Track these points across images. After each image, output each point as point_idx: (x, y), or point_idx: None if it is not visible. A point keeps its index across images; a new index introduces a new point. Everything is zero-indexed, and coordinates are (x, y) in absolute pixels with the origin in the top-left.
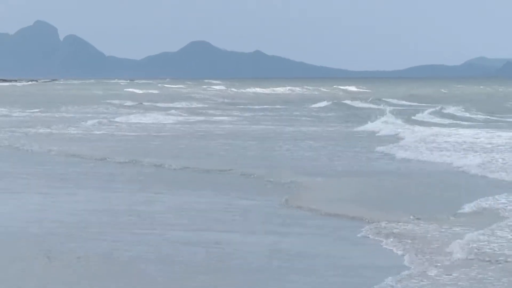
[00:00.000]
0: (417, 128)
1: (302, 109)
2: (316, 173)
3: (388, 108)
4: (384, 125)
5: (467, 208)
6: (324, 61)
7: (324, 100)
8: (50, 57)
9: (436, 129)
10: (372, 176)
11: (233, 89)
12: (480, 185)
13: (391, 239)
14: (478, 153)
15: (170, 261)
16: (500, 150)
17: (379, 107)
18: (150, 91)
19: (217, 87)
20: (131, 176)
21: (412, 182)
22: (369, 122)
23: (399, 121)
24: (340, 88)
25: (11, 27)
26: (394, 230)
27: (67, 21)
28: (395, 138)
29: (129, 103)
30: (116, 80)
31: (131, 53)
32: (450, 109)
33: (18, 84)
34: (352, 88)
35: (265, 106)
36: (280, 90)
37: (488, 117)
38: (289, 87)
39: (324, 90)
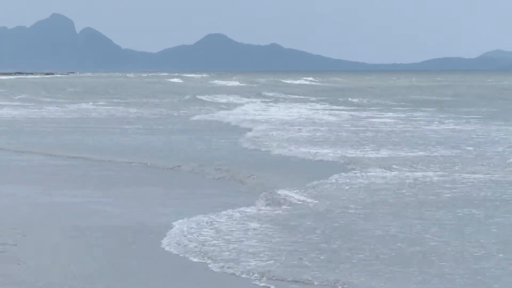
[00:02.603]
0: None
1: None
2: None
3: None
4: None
5: None
6: (341, 54)
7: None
8: (66, 50)
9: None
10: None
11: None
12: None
13: None
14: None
15: None
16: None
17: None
18: (231, 83)
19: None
20: None
21: None
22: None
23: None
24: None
25: (27, 20)
26: None
27: (83, 14)
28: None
29: (239, 97)
30: (148, 74)
31: (148, 46)
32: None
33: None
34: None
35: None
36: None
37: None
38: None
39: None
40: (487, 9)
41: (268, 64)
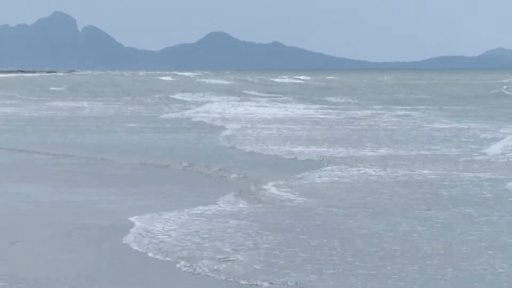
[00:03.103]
0: None
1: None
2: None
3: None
4: None
5: None
6: (343, 52)
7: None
8: (68, 48)
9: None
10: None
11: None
12: None
13: None
14: None
15: None
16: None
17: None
18: (219, 81)
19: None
20: None
21: None
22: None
23: None
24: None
25: (29, 18)
26: None
27: (85, 12)
28: None
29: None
30: (155, 71)
31: (150, 44)
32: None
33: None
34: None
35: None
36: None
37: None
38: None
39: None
40: (489, 8)
41: (270, 63)
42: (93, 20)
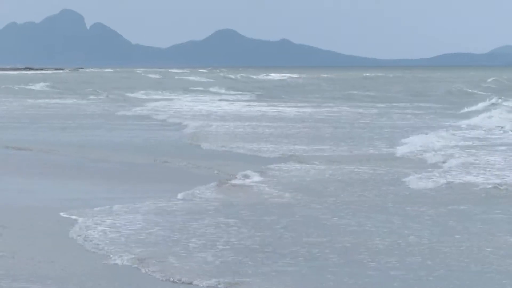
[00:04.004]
0: None
1: None
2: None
3: None
4: None
5: None
6: (352, 49)
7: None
8: (77, 45)
9: None
10: None
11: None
12: None
13: None
14: None
15: None
16: None
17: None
18: (198, 79)
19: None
20: None
21: None
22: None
23: None
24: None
25: (37, 16)
26: None
27: (93, 9)
28: None
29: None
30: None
31: (158, 41)
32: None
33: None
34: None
35: None
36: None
37: None
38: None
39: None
40: (497, 5)
41: (278, 60)
42: (101, 17)
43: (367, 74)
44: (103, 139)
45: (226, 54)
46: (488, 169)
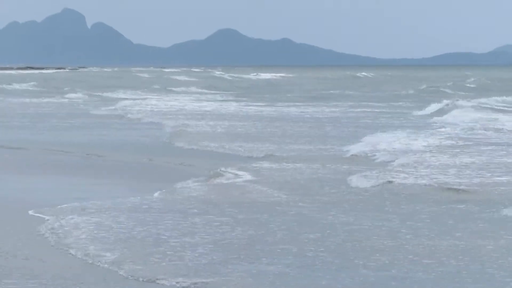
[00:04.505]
0: None
1: None
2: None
3: None
4: None
5: None
6: (353, 49)
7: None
8: (78, 45)
9: None
10: None
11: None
12: None
13: None
14: None
15: None
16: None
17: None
18: (182, 78)
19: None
20: None
21: None
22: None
23: None
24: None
25: (38, 15)
26: None
27: (95, 8)
28: None
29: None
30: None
31: (159, 41)
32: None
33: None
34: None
35: None
36: None
37: None
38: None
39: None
40: (498, 5)
41: (279, 59)
42: (102, 17)
43: (361, 74)
44: (72, 138)
45: (227, 53)
46: (430, 168)
